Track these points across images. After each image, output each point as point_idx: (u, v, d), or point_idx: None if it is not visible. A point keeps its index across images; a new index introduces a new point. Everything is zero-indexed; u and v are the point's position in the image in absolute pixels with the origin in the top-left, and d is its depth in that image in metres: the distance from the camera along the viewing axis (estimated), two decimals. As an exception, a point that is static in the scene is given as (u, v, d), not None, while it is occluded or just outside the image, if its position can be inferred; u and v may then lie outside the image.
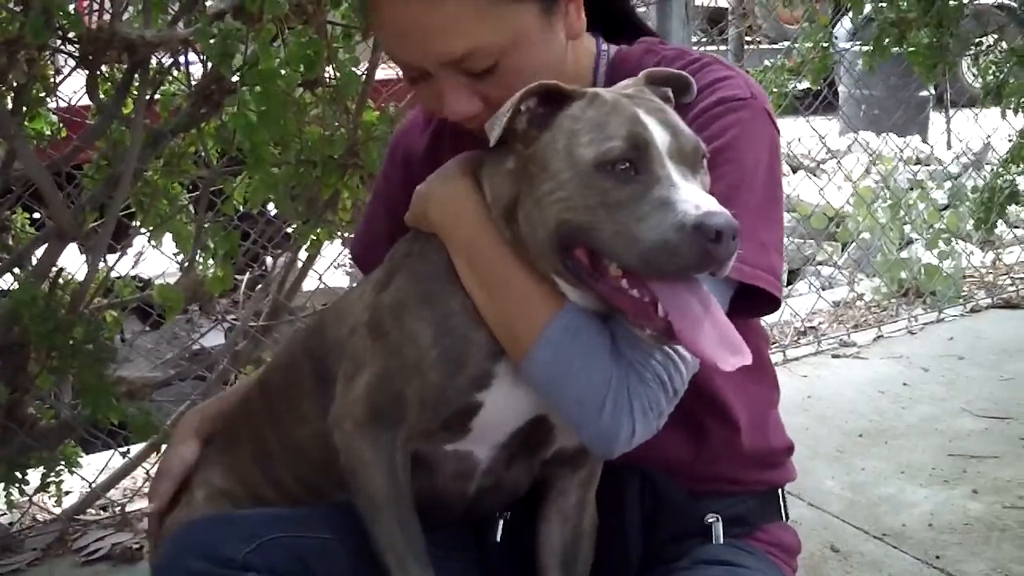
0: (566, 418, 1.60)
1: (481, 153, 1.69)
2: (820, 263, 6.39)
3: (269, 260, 4.15)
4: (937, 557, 2.73)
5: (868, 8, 4.39)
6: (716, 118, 1.66)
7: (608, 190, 1.44)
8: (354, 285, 1.99)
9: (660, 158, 1.45)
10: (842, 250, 6.22)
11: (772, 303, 1.67)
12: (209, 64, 2.44)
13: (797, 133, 6.20)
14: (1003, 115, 5.11)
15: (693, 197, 1.39)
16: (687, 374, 1.60)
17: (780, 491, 2.05)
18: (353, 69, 2.72)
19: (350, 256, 2.18)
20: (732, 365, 1.41)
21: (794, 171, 7.84)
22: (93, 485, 3.12)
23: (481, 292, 1.62)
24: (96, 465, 3.22)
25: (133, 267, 3.19)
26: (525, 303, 1.58)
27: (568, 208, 1.48)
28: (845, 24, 6.65)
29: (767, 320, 4.61)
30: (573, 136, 1.50)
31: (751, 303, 1.66)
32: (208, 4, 2.57)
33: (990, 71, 5.10)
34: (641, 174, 1.44)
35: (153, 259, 3.44)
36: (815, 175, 7.39)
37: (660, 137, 1.47)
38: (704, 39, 6.48)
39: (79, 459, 2.85)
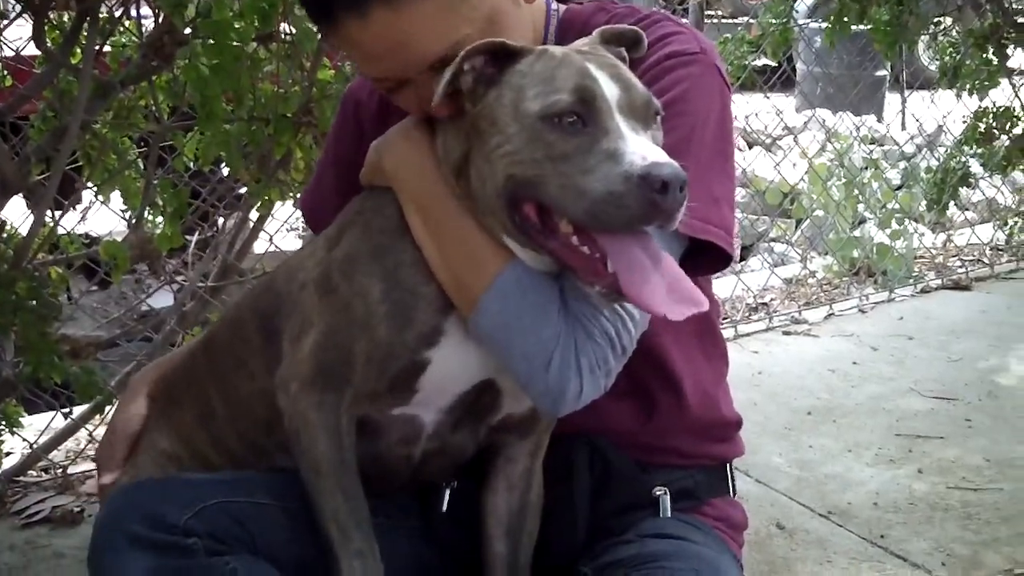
0: (513, 374, 1.58)
1: None
2: (773, 240, 6.41)
3: (220, 220, 4.08)
4: (881, 536, 2.75)
5: (830, -18, 4.40)
6: (666, 71, 1.65)
7: (554, 143, 1.42)
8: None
9: (609, 111, 1.43)
10: (796, 227, 6.24)
11: (724, 259, 1.66)
12: (161, 15, 2.38)
13: (755, 108, 6.20)
14: (958, 96, 5.14)
15: (640, 148, 1.38)
16: (636, 332, 1.59)
17: (728, 466, 2.05)
18: (309, 24, 2.67)
19: (302, 217, 2.15)
20: (682, 314, 1.40)
21: (750, 146, 7.86)
22: (34, 446, 3.06)
23: (432, 244, 1.60)
24: (38, 426, 3.15)
25: (80, 223, 3.12)
26: (476, 255, 1.56)
27: (515, 162, 1.46)
28: (806, 0, 6.68)
29: (719, 295, 4.63)
30: (520, 91, 1.48)
31: (703, 260, 1.64)
32: (162, -46, 2.50)
33: (947, 52, 5.12)
34: (589, 127, 1.42)
35: (101, 217, 3.37)
36: (771, 151, 7.41)
37: (610, 90, 1.45)
38: (665, 6, 6.46)
39: (20, 419, 2.80)
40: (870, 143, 7.67)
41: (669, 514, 1.91)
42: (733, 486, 2.05)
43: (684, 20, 1.82)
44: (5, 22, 2.65)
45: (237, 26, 2.32)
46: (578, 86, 1.44)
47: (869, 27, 4.32)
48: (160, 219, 2.89)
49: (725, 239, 1.63)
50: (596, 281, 1.43)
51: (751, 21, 4.94)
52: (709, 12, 9.02)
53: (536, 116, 1.44)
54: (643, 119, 1.47)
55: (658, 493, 1.92)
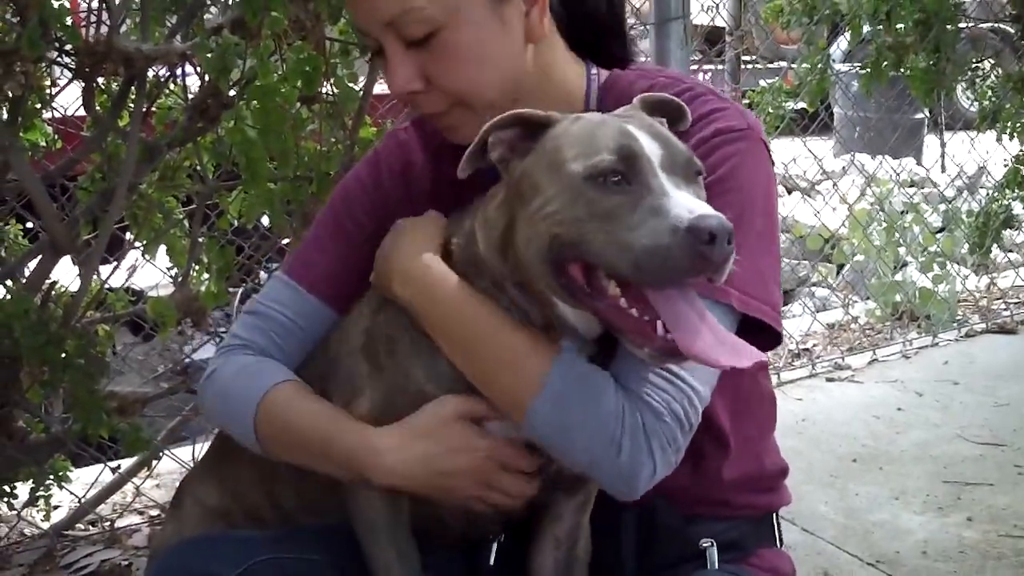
0: (579, 468, 1.57)
1: (461, 210, 1.69)
2: (815, 284, 6.39)
3: (263, 275, 4.13)
4: (931, 585, 2.72)
5: (866, 29, 4.40)
6: (714, 149, 1.64)
7: (598, 201, 1.42)
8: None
9: (652, 169, 1.42)
10: (837, 273, 6.21)
11: (773, 338, 1.65)
12: (206, 78, 2.43)
13: (793, 154, 6.20)
14: (999, 139, 5.12)
15: (686, 202, 1.37)
16: (701, 407, 1.58)
17: (775, 516, 2.03)
18: (351, 85, 2.71)
19: (285, 271, 1.94)
20: (742, 363, 1.38)
21: (789, 192, 7.85)
22: (82, 500, 3.10)
23: (467, 362, 1.60)
24: (86, 480, 3.18)
25: (126, 280, 3.16)
26: (516, 361, 1.56)
27: (559, 222, 1.45)
28: (841, 44, 6.68)
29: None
30: (557, 152, 1.48)
31: (749, 336, 1.64)
32: (206, 17, 2.56)
33: (987, 96, 5.12)
34: (632, 185, 1.42)
35: (145, 271, 3.42)
36: (810, 196, 7.40)
37: (651, 148, 1.44)
38: (701, 59, 6.49)
39: (69, 473, 2.83)
40: (909, 186, 7.65)
41: (716, 566, 1.90)
42: (780, 536, 2.03)
43: (725, 78, 1.82)
44: (56, 89, 2.70)
45: (282, 89, 2.36)
46: (620, 145, 1.44)
47: (907, 74, 4.33)
48: (205, 276, 2.93)
49: (774, 317, 1.62)
50: (645, 343, 1.42)
51: (789, 67, 4.95)
52: (745, 58, 9.03)
53: (580, 176, 1.43)
54: (685, 175, 1.46)
55: (705, 545, 1.90)
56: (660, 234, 1.35)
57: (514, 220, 1.53)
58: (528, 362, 1.55)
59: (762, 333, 1.63)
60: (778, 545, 2.03)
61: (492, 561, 1.92)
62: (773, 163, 1.74)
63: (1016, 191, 5.09)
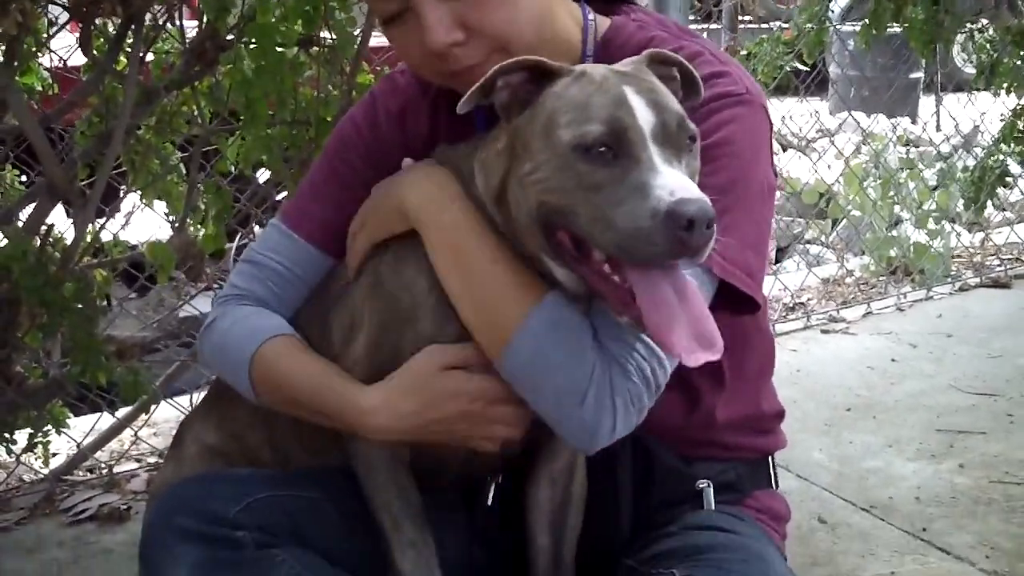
0: (543, 412, 1.58)
1: (461, 146, 1.69)
2: (809, 241, 6.39)
3: (258, 228, 4.12)
4: (924, 529, 2.74)
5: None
6: (713, 113, 1.64)
7: (585, 173, 1.41)
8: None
9: (642, 141, 1.41)
10: (831, 228, 6.22)
11: (747, 303, 1.66)
12: (204, 21, 2.42)
13: (789, 111, 6.19)
14: (996, 96, 5.10)
15: (670, 182, 1.36)
16: (671, 368, 1.58)
17: (770, 458, 2.06)
18: (349, 30, 2.70)
19: (281, 219, 1.93)
20: (697, 360, 1.39)
21: (784, 149, 7.84)
22: (81, 446, 3.11)
23: (460, 284, 1.61)
24: (84, 427, 3.20)
25: (122, 228, 3.16)
26: (508, 293, 1.57)
27: (547, 190, 1.46)
28: (839, 3, 6.66)
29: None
30: (553, 115, 1.47)
31: (731, 299, 1.65)
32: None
33: (984, 51, 5.10)
34: (620, 158, 1.41)
35: (142, 226, 3.42)
36: (805, 153, 7.39)
37: (644, 118, 1.43)
38: (699, 8, 6.49)
39: (67, 420, 2.84)
40: (904, 144, 7.64)
41: (713, 507, 1.92)
42: (776, 479, 2.06)
43: (722, 35, 1.79)
44: (53, 29, 2.68)
45: (281, 28, 2.34)
46: (611, 116, 1.42)
47: (904, 26, 4.31)
48: (201, 224, 2.93)
49: (752, 286, 1.64)
50: (624, 312, 1.44)
51: (783, 26, 4.92)
52: (742, 17, 9.00)
53: (568, 146, 1.43)
54: (677, 146, 1.45)
55: (701, 486, 1.92)
56: (640, 217, 1.35)
57: (508, 176, 1.54)
58: (516, 297, 1.56)
59: (741, 298, 1.64)
60: (774, 487, 2.05)
61: (491, 500, 1.94)
62: (772, 127, 1.74)
63: (1012, 145, 5.07)
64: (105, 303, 2.92)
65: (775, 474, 2.06)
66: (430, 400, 1.62)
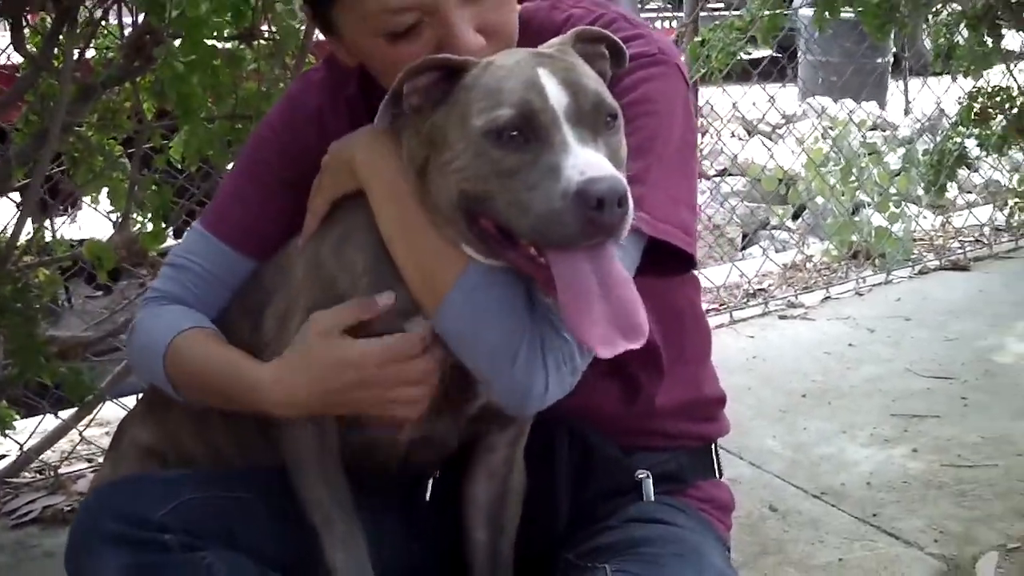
0: (477, 370, 1.58)
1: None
2: (774, 228, 6.39)
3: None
4: (874, 515, 2.74)
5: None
6: (628, 74, 1.64)
7: (500, 159, 1.41)
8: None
9: (555, 122, 1.40)
10: (794, 216, 6.22)
11: (685, 261, 1.65)
12: (142, 16, 2.39)
13: (753, 99, 6.17)
14: (953, 79, 5.11)
15: (581, 162, 1.35)
16: None
17: (713, 446, 2.04)
18: (292, 23, 2.67)
19: (201, 222, 1.91)
20: (611, 351, 1.38)
21: (750, 135, 7.84)
22: (24, 448, 3.07)
23: (401, 239, 1.59)
24: (31, 428, 3.16)
25: (68, 224, 3.12)
26: (444, 251, 1.55)
27: (465, 179, 1.45)
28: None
29: (716, 282, 4.62)
30: (467, 106, 1.46)
31: (665, 259, 1.64)
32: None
33: (941, 34, 5.10)
34: (532, 141, 1.40)
35: (96, 223, 3.38)
36: (771, 139, 7.39)
37: (557, 99, 1.41)
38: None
39: (13, 421, 2.80)
40: (870, 129, 7.65)
41: (652, 498, 1.90)
42: (719, 467, 2.04)
43: (639, 20, 1.77)
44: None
45: (212, 21, 2.31)
46: (521, 99, 1.41)
47: (859, 10, 4.29)
48: (150, 221, 2.90)
49: (685, 240, 1.62)
50: (552, 294, 1.42)
51: (737, 13, 4.91)
52: (709, 5, 8.99)
53: (480, 132, 1.42)
54: (593, 126, 1.43)
55: (641, 477, 1.91)
56: (552, 199, 1.34)
57: (428, 164, 1.52)
58: (454, 254, 1.54)
59: (676, 257, 1.63)
60: (717, 476, 2.04)
61: (428, 496, 1.94)
62: (689, 86, 1.73)
63: (969, 128, 5.08)
64: (66, 302, 2.89)
65: (718, 462, 2.05)
66: (319, 373, 1.60)
